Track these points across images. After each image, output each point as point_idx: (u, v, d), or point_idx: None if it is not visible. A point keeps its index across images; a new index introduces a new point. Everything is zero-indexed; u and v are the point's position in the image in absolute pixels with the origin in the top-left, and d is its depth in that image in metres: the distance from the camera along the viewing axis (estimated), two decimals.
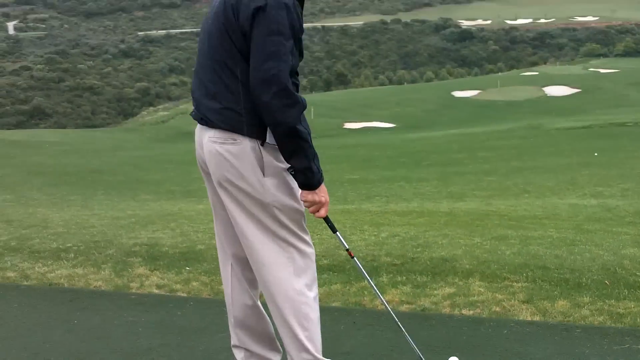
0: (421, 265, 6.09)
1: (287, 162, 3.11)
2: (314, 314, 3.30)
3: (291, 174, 3.16)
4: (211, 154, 3.15)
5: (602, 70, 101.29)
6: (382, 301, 3.71)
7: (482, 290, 5.34)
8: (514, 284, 5.50)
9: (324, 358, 3.34)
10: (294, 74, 3.07)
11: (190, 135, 3.69)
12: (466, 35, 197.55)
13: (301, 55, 3.16)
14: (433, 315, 4.84)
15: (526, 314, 4.81)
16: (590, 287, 5.37)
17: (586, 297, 5.13)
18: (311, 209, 3.24)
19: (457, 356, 3.97)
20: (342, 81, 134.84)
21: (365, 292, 5.37)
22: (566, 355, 4.00)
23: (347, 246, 3.49)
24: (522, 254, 6.43)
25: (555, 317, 4.75)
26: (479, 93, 79.94)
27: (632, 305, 4.92)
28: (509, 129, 41.11)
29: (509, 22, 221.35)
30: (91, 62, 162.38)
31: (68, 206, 12.84)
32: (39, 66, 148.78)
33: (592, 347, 4.16)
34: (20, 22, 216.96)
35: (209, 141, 3.16)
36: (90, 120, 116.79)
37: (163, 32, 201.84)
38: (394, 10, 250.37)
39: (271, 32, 2.92)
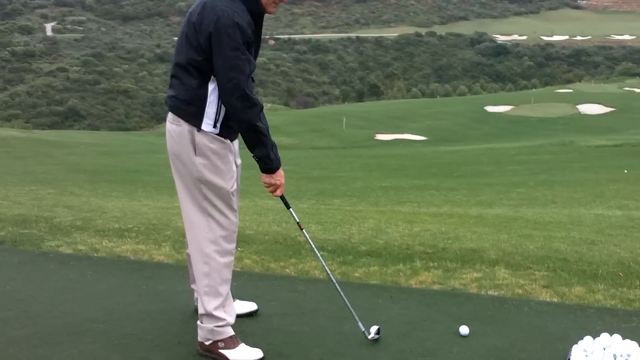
0: (451, 254, 6.67)
1: (251, 152, 3.88)
2: (217, 274, 3.96)
3: (256, 161, 3.90)
4: (166, 131, 3.94)
5: (637, 90, 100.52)
6: (327, 272, 4.40)
7: (506, 276, 5.91)
8: (536, 272, 6.06)
9: (217, 313, 3.97)
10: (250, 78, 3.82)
11: None
12: (501, 50, 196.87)
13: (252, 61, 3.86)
14: (461, 294, 5.42)
15: (545, 296, 5.38)
16: (605, 278, 5.92)
17: (601, 285, 5.68)
18: (269, 189, 4.04)
19: (483, 328, 4.55)
20: (375, 92, 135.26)
21: (401, 274, 5.97)
22: (580, 330, 4.51)
23: (297, 219, 4.24)
24: (545, 249, 6.99)
25: (571, 299, 5.31)
26: (512, 109, 79.76)
27: None
28: (540, 145, 41.21)
29: (544, 38, 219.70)
30: (127, 65, 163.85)
31: (115, 199, 13.53)
32: (75, 68, 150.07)
33: (603, 324, 4.70)
34: (58, 23, 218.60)
35: (167, 121, 3.95)
36: (124, 124, 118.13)
37: None
38: (429, 23, 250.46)
39: (230, 49, 3.64)
